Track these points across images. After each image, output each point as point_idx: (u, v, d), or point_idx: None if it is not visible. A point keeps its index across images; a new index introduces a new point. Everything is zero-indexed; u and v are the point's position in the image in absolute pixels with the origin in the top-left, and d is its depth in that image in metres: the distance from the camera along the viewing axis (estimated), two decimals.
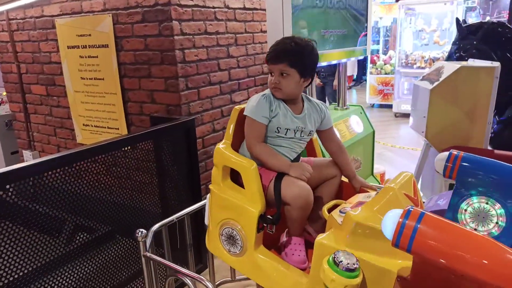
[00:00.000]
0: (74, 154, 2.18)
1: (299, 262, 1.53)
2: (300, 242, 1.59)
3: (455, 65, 2.19)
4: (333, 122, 3.10)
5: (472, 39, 2.75)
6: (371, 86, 8.56)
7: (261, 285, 1.60)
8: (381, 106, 8.61)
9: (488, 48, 2.71)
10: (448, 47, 5.63)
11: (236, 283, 2.35)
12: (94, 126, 3.25)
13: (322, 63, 3.12)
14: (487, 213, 1.28)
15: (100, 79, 3.08)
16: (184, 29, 2.68)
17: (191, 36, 2.74)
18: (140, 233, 1.79)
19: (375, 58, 8.58)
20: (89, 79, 3.15)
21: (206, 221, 1.79)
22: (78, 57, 3.16)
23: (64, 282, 2.11)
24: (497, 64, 2.13)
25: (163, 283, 1.92)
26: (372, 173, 3.70)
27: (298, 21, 2.69)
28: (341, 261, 1.11)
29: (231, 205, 1.58)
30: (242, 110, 1.67)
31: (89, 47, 3.08)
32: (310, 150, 1.91)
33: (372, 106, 8.68)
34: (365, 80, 9.53)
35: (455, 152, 1.36)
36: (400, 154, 5.53)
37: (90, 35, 3.04)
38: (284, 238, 1.67)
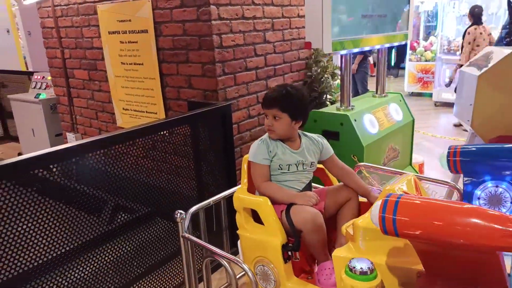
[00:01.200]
0: (113, 137, 2.25)
1: (330, 285, 1.60)
2: (329, 266, 1.65)
3: (505, 50, 2.07)
4: (372, 110, 3.06)
5: None
6: (410, 74, 8.26)
7: None
8: (419, 94, 8.31)
9: None
10: (494, 33, 5.33)
11: None
12: (134, 110, 3.34)
13: (362, 48, 3.04)
14: (501, 196, 1.33)
15: (139, 64, 3.15)
16: (222, 13, 2.68)
17: (228, 21, 2.74)
18: (178, 214, 1.84)
19: (414, 44, 8.26)
20: (129, 64, 3.22)
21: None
22: (118, 42, 3.24)
23: (104, 259, 2.21)
24: None
25: (200, 264, 1.97)
26: (410, 163, 3.60)
27: (337, 6, 2.62)
28: (354, 267, 1.13)
29: (258, 243, 1.71)
30: None
31: (129, 33, 3.14)
32: (325, 181, 2.06)
33: (410, 94, 8.40)
34: (403, 68, 9.21)
35: (453, 147, 1.47)
36: (439, 144, 5.33)
37: (130, 20, 3.10)
38: (316, 267, 1.76)
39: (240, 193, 1.83)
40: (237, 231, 1.86)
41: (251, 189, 1.87)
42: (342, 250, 1.37)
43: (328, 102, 3.71)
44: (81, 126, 3.99)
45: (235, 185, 2.27)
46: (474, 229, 0.89)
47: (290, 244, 1.67)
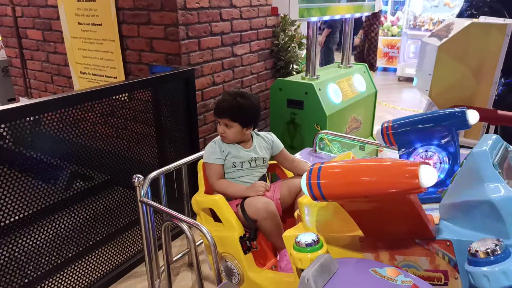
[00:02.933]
0: (69, 98, 2.14)
1: (291, 269, 1.61)
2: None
3: (465, 22, 2.11)
4: (336, 80, 3.07)
5: None
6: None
7: None
8: (384, 69, 8.45)
9: (502, 6, 2.60)
10: (458, 10, 5.42)
11: None
12: (92, 74, 3.18)
13: (328, 17, 3.02)
14: (431, 159, 1.43)
15: (98, 24, 2.98)
16: None
17: None
18: (136, 178, 1.79)
19: (382, 19, 8.31)
20: (87, 24, 3.04)
21: (209, 267, 1.99)
22: (75, 1, 3.03)
23: (60, 226, 2.14)
24: (510, 21, 2.05)
25: (159, 230, 1.95)
26: (371, 134, 3.68)
27: None
28: (300, 241, 1.17)
29: (219, 240, 1.72)
30: None
31: None
32: (282, 176, 2.11)
33: (377, 68, 8.52)
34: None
35: (385, 123, 1.56)
36: (401, 116, 5.49)
37: None
38: (278, 256, 1.82)
39: (197, 197, 1.90)
40: (200, 234, 1.89)
41: (208, 193, 1.94)
42: (291, 230, 1.41)
43: (294, 72, 3.69)
44: (36, 91, 3.78)
45: (198, 152, 2.23)
46: (381, 178, 0.99)
47: (247, 235, 1.74)
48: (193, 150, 2.75)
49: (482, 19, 2.38)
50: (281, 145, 2.00)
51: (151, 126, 2.63)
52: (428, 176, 0.95)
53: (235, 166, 1.88)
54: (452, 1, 7.40)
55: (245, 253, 1.72)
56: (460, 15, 2.84)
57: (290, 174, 2.06)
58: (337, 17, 3.07)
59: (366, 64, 3.58)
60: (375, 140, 3.66)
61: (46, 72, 3.59)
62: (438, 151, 1.43)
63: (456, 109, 1.44)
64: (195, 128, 2.76)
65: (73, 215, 2.23)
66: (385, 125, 1.56)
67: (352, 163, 1.09)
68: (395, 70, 7.87)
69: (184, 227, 1.66)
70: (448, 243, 1.10)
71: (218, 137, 1.92)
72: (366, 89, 3.41)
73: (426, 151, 1.45)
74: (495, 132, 2.63)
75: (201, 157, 1.98)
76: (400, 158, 1.51)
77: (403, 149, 1.51)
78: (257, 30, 3.33)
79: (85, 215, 2.31)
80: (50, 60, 3.50)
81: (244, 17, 3.14)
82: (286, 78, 3.07)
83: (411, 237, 1.15)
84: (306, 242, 1.16)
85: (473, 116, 1.42)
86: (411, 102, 5.79)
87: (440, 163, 1.43)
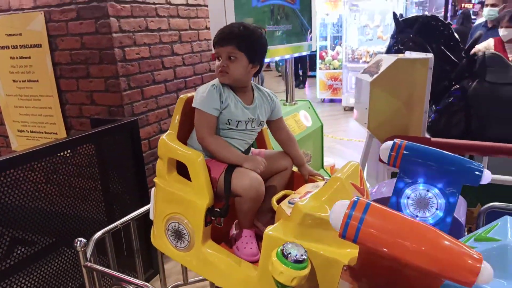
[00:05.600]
0: (5, 161, 2.02)
1: (251, 255, 1.49)
2: (251, 234, 1.56)
3: (392, 58, 2.27)
4: (283, 117, 3.14)
5: (408, 32, 2.87)
6: (321, 82, 8.74)
7: (211, 280, 1.56)
8: (331, 100, 8.82)
9: (424, 41, 2.83)
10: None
11: (189, 286, 2.29)
12: (30, 131, 3.04)
13: (270, 59, 3.13)
14: (429, 201, 1.33)
15: (34, 81, 2.88)
16: (123, 26, 2.57)
17: (131, 34, 2.63)
18: (79, 242, 1.69)
19: (323, 53, 8.77)
20: (22, 81, 2.93)
21: (151, 216, 1.72)
22: (8, 58, 2.93)
23: None
24: (430, 55, 2.23)
25: None
26: (322, 166, 3.77)
27: (244, 19, 2.66)
28: (289, 253, 1.09)
29: (177, 199, 1.53)
30: (189, 99, 1.61)
31: (21, 47, 2.87)
32: (260, 142, 1.88)
33: (323, 101, 8.88)
34: (314, 76, 9.71)
35: (398, 141, 1.41)
36: (349, 146, 5.69)
37: (20, 34, 2.83)
38: (234, 231, 1.63)
39: (168, 139, 1.58)
40: (154, 179, 1.66)
41: (182, 138, 1.63)
42: (276, 229, 1.29)
43: None
44: None
45: (148, 204, 2.16)
46: (437, 257, 0.86)
47: (217, 209, 1.50)
48: (143, 200, 2.66)
49: (408, 54, 2.58)
50: (281, 112, 1.73)
51: (97, 181, 2.53)
52: (487, 276, 0.84)
53: (230, 124, 1.55)
54: (385, 35, 7.97)
55: (206, 225, 1.50)
56: (388, 50, 3.05)
57: (269, 144, 1.87)
58: (277, 58, 3.19)
59: (309, 100, 3.72)
60: (326, 172, 3.75)
61: None
62: (438, 196, 1.34)
63: (475, 163, 1.34)
64: (143, 179, 2.68)
65: (14, 286, 2.05)
66: (398, 144, 1.40)
67: (409, 221, 0.93)
68: (340, 100, 8.24)
69: None
70: None
71: (217, 80, 1.56)
72: (312, 124, 3.52)
73: (428, 190, 1.35)
74: None
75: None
76: (396, 182, 1.40)
77: (404, 176, 1.38)
78: (202, 75, 3.38)
79: (28, 284, 2.13)
80: None
81: (187, 63, 3.18)
82: None
83: None
84: (296, 259, 1.09)
85: (486, 177, 1.32)
86: (358, 132, 6.04)
87: (436, 208, 1.34)
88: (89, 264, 1.68)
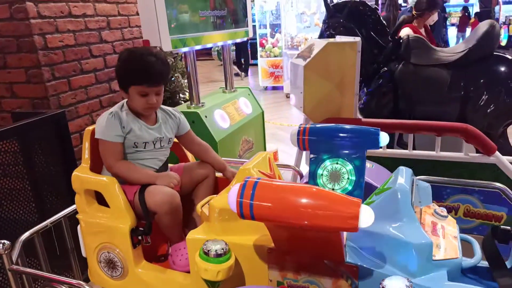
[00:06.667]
0: None
1: (186, 266, 1.52)
2: (182, 246, 1.59)
3: (323, 42, 2.32)
4: (222, 105, 3.13)
5: (339, 18, 2.96)
6: (263, 69, 8.80)
7: None
8: (274, 88, 8.93)
9: (354, 26, 2.94)
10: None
11: None
12: None
13: (205, 45, 3.08)
14: (339, 172, 1.45)
15: None
16: (42, 11, 2.38)
17: (53, 19, 2.45)
18: (1, 245, 1.56)
19: (263, 41, 8.82)
20: None
21: (84, 253, 1.74)
22: None
23: None
24: (358, 39, 2.32)
25: None
26: None
27: (176, 3, 2.58)
28: (209, 250, 1.12)
29: (102, 228, 1.56)
30: (94, 131, 1.63)
31: None
32: (181, 157, 1.96)
33: (265, 88, 8.96)
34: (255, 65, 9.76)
35: (303, 126, 1.52)
36: (290, 131, 5.81)
37: None
38: (169, 249, 1.66)
39: (80, 172, 1.62)
40: (77, 215, 1.67)
41: (94, 168, 1.66)
42: (197, 232, 1.34)
43: (182, 101, 3.67)
44: None
45: None
46: (321, 212, 0.94)
47: (140, 228, 1.53)
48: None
49: (338, 38, 2.66)
50: (188, 126, 1.81)
51: (24, 180, 2.35)
52: (368, 219, 0.93)
53: (137, 147, 1.61)
54: (322, 22, 8.18)
55: (134, 247, 1.53)
56: (321, 35, 3.13)
57: (191, 156, 1.92)
58: (210, 45, 3.14)
59: (249, 87, 3.73)
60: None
61: None
62: (345, 164, 1.45)
63: (372, 128, 1.47)
64: None
65: None
66: (302, 128, 1.51)
67: (292, 187, 1.01)
68: (282, 88, 8.37)
69: None
70: (355, 268, 1.13)
71: (116, 108, 1.61)
72: (253, 111, 3.53)
73: (337, 163, 1.46)
74: None
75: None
76: (309, 165, 1.50)
77: (314, 156, 1.49)
78: None
79: None
80: None
81: (118, 51, 3.03)
82: None
83: (322, 258, 1.15)
84: (215, 252, 1.11)
85: (384, 139, 1.46)
86: (298, 117, 6.18)
87: (347, 177, 1.45)
88: (15, 267, 1.57)
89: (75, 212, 1.94)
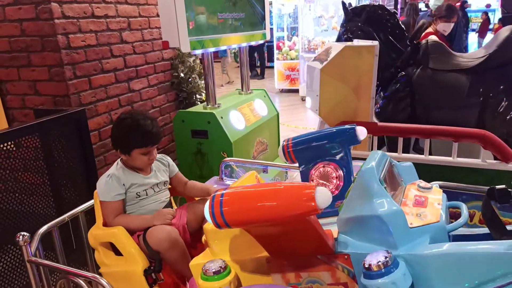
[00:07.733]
0: None
1: None
2: None
3: (340, 45, 2.32)
4: (238, 107, 3.15)
5: (357, 21, 2.95)
6: (279, 72, 8.82)
7: None
8: (289, 90, 8.93)
9: (372, 30, 2.93)
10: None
11: None
12: None
13: (224, 47, 3.11)
14: (329, 174, 1.51)
15: None
16: (66, 12, 2.45)
17: (76, 20, 2.52)
18: (21, 237, 1.61)
19: (280, 44, 8.84)
20: None
21: None
22: None
23: None
24: (376, 42, 2.31)
25: None
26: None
27: (195, 6, 2.62)
28: (207, 269, 1.16)
29: (121, 275, 1.66)
30: None
31: None
32: (188, 198, 2.07)
33: (281, 91, 8.96)
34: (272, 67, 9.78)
35: (285, 142, 1.60)
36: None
37: None
38: (188, 285, 1.74)
39: (94, 231, 1.78)
40: (99, 270, 1.78)
41: (106, 225, 1.80)
42: (198, 258, 1.39)
43: (198, 102, 3.71)
44: None
45: None
46: (280, 202, 1.00)
47: (151, 267, 1.66)
48: (93, 194, 2.58)
49: (356, 42, 2.65)
50: (176, 168, 1.97)
51: (44, 175, 2.41)
52: (324, 198, 0.97)
53: (140, 196, 1.78)
54: (339, 25, 8.15)
55: (151, 287, 1.63)
56: (339, 39, 3.13)
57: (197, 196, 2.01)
58: (232, 46, 3.17)
59: (265, 89, 3.74)
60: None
61: None
62: (334, 166, 1.50)
63: (347, 126, 1.53)
64: (93, 171, 2.59)
65: None
66: (285, 143, 1.59)
67: (252, 189, 1.10)
68: (298, 90, 8.36)
69: (81, 282, 1.53)
70: (346, 256, 1.16)
71: (113, 170, 1.78)
72: (268, 113, 3.55)
73: (324, 166, 1.51)
74: (381, 142, 2.91)
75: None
76: (301, 174, 1.55)
77: (303, 166, 1.55)
78: (154, 64, 3.30)
79: None
80: None
81: (138, 51, 3.09)
82: (188, 109, 3.07)
83: (313, 254, 1.19)
84: (214, 270, 1.15)
85: (361, 132, 1.52)
86: (313, 120, 6.16)
87: (338, 176, 1.50)
88: (33, 258, 1.62)
89: (92, 207, 1.99)
